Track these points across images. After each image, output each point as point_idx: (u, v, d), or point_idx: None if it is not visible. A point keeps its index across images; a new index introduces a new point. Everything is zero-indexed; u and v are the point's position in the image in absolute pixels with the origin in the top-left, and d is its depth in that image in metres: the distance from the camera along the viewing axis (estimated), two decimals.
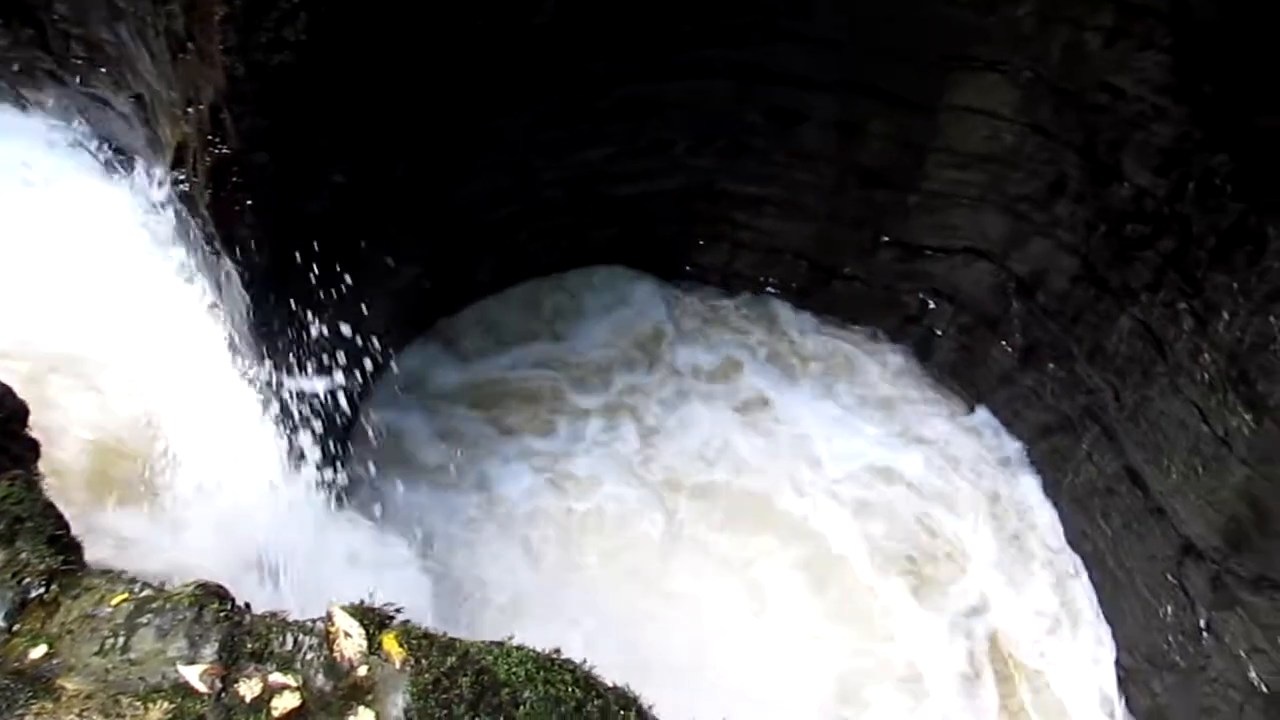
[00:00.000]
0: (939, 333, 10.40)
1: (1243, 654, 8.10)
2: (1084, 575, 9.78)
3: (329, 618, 3.73)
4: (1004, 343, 9.90)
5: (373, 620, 3.76)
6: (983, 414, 10.55)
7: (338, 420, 8.57)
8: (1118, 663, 9.40)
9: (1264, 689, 7.99)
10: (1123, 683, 9.32)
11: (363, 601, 3.88)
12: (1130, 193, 8.25)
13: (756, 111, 9.60)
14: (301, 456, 7.47)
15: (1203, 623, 8.40)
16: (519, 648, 3.69)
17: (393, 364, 9.61)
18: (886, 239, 10.13)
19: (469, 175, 9.22)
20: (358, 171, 7.73)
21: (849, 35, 8.86)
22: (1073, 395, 9.38)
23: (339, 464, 8.12)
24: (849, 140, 9.53)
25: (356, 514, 7.89)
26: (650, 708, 3.93)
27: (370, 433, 8.70)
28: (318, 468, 7.57)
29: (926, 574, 9.60)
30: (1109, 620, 9.56)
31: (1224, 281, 7.59)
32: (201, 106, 6.87)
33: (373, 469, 8.54)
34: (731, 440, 10.12)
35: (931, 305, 10.38)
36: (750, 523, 9.67)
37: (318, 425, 7.90)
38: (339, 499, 7.49)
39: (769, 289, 10.97)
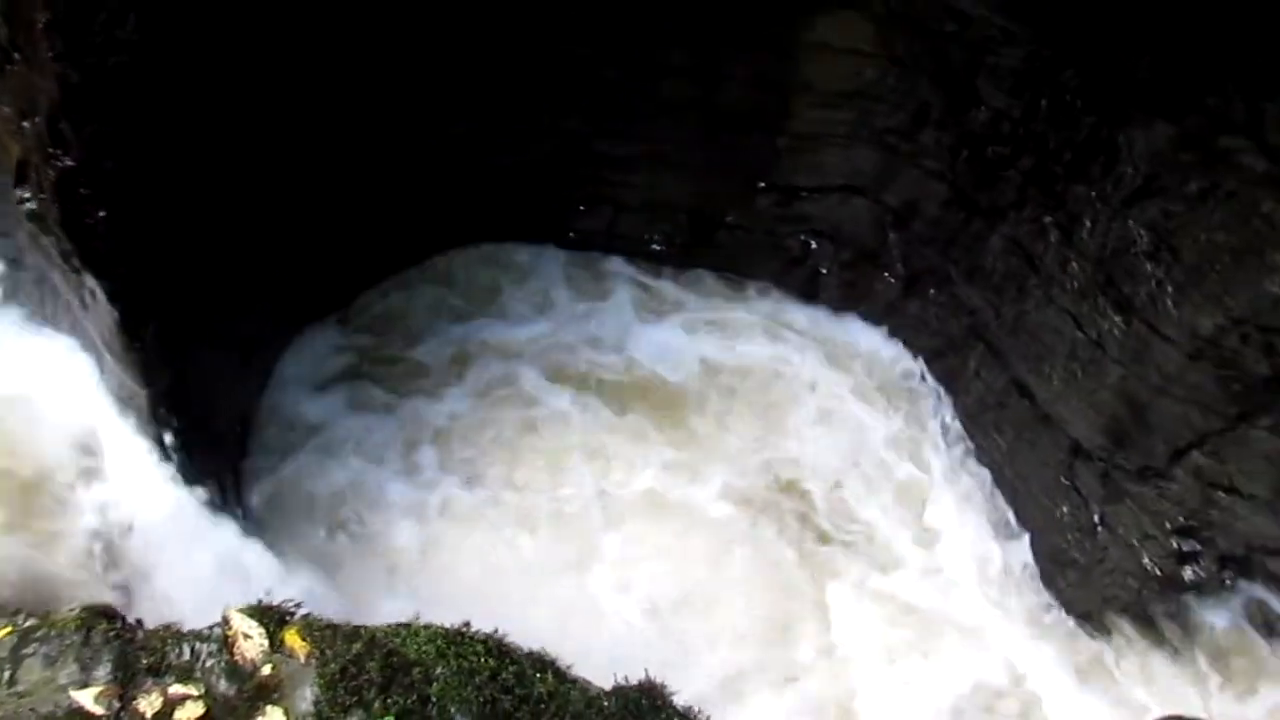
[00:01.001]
0: (823, 271, 10.58)
1: (1135, 543, 8.54)
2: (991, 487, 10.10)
3: (226, 622, 3.63)
4: (886, 274, 10.14)
5: (273, 618, 3.68)
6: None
7: (217, 421, 8.32)
8: (1036, 567, 9.73)
9: (1158, 572, 8.45)
10: (1038, 580, 9.65)
11: (260, 601, 3.80)
12: (988, 116, 8.49)
13: (614, 68, 9.56)
14: (173, 463, 7.20)
15: (1096, 518, 8.81)
16: (427, 626, 3.66)
17: (283, 357, 9.40)
18: (763, 184, 10.23)
19: (339, 160, 9.00)
20: (214, 169, 7.46)
21: None
22: (956, 317, 9.67)
23: (218, 467, 7.86)
24: (711, 88, 9.56)
25: (235, 517, 7.68)
26: (569, 667, 3.94)
27: (257, 428, 8.48)
28: (192, 474, 7.31)
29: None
30: (1022, 525, 9.89)
31: (1083, 192, 7.90)
32: (38, 119, 6.52)
33: (258, 467, 8.37)
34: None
35: (814, 246, 10.54)
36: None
37: (193, 431, 7.64)
38: (218, 502, 7.25)
39: (654, 246, 10.97)
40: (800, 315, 10.86)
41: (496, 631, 3.74)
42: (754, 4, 8.91)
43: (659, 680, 3.78)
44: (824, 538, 9.49)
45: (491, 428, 9.63)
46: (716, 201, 10.59)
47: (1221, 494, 7.93)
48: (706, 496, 9.50)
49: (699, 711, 3.83)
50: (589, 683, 3.84)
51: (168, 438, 7.07)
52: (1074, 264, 8.07)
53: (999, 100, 8.28)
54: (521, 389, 9.99)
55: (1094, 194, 7.78)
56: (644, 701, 3.63)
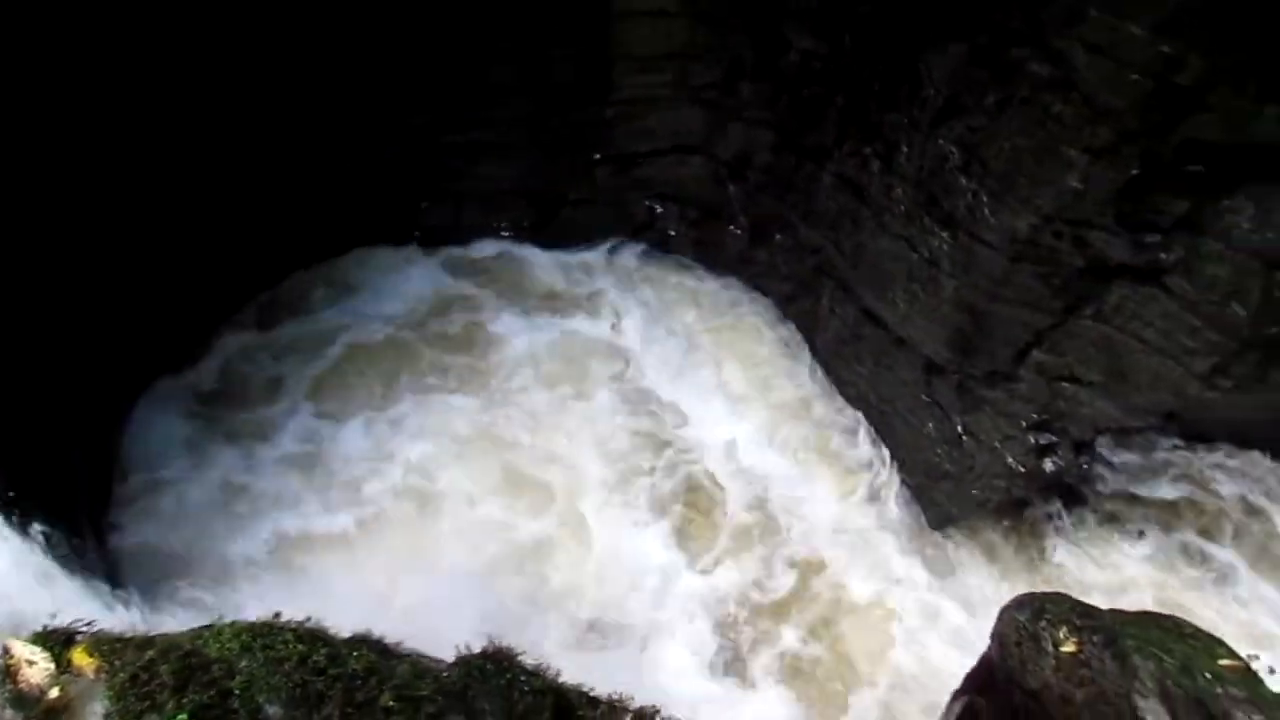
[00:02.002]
0: (673, 233, 10.75)
1: (998, 445, 8.96)
2: (860, 418, 10.43)
3: (5, 651, 3.51)
4: (731, 227, 10.35)
5: (58, 641, 3.57)
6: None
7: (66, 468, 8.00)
8: (904, 483, 10.10)
9: (1022, 469, 8.89)
10: (914, 498, 10.02)
11: (45, 627, 3.69)
12: (798, 59, 8.74)
13: (450, 61, 9.49)
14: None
15: (959, 429, 9.20)
16: (231, 624, 3.60)
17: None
18: (599, 156, 10.31)
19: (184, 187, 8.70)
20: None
21: None
22: (802, 259, 9.93)
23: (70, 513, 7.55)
24: (537, 69, 9.59)
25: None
26: (399, 643, 3.91)
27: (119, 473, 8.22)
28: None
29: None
30: (891, 449, 10.23)
31: (895, 120, 8.19)
32: None
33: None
34: None
35: (659, 209, 10.69)
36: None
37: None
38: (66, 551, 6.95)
39: (503, 234, 10.96)
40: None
41: (309, 620, 3.69)
42: None
43: (505, 643, 3.80)
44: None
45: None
46: (557, 180, 10.64)
47: (1065, 385, 8.39)
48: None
49: (547, 667, 3.86)
50: (425, 656, 3.85)
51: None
52: (898, 189, 8.37)
53: (806, 42, 8.52)
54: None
55: (905, 120, 8.08)
56: (489, 666, 3.65)
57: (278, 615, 3.68)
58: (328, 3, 8.80)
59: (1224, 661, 4.98)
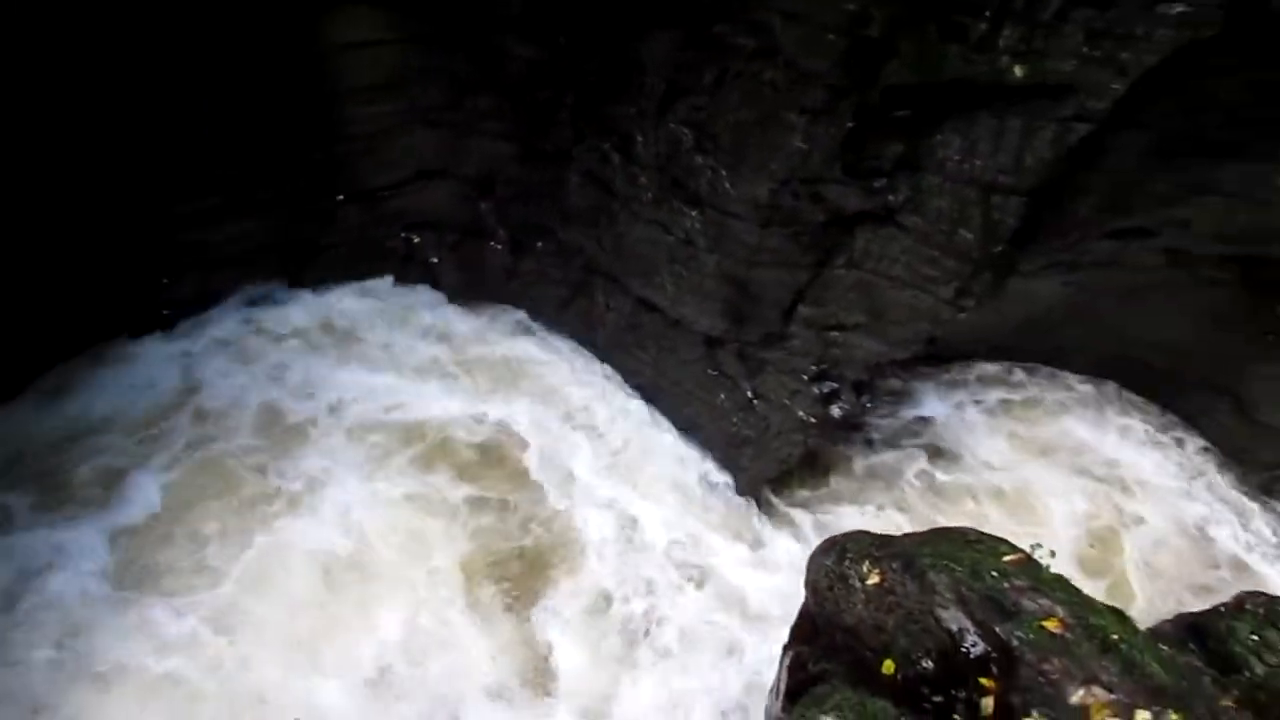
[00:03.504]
0: (434, 260, 10.57)
1: (787, 402, 9.32)
2: (651, 406, 10.60)
3: None
4: (492, 243, 10.28)
5: None
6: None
7: None
8: (708, 457, 10.33)
9: (813, 420, 9.27)
10: (721, 469, 10.29)
11: None
12: (522, 66, 8.76)
13: (160, 127, 8.94)
14: None
15: (749, 394, 9.51)
16: None
17: None
18: (342, 197, 10.01)
19: None
20: None
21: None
22: (568, 261, 9.99)
23: None
24: (252, 118, 9.18)
25: None
26: None
27: None
28: None
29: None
30: (685, 431, 10.45)
31: (625, 111, 8.36)
32: None
33: None
34: None
35: (415, 239, 10.49)
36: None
37: None
38: None
39: (257, 292, 10.46)
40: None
41: None
42: (267, 25, 8.60)
43: None
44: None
45: None
46: (304, 228, 10.24)
47: (833, 333, 8.83)
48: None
49: None
50: None
51: None
52: (642, 178, 8.55)
53: (523, 50, 8.56)
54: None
55: (634, 110, 8.25)
56: None
57: None
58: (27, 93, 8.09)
59: (1008, 558, 5.37)
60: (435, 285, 10.71)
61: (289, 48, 8.95)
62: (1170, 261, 9.16)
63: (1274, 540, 10.17)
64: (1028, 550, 5.59)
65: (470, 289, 10.76)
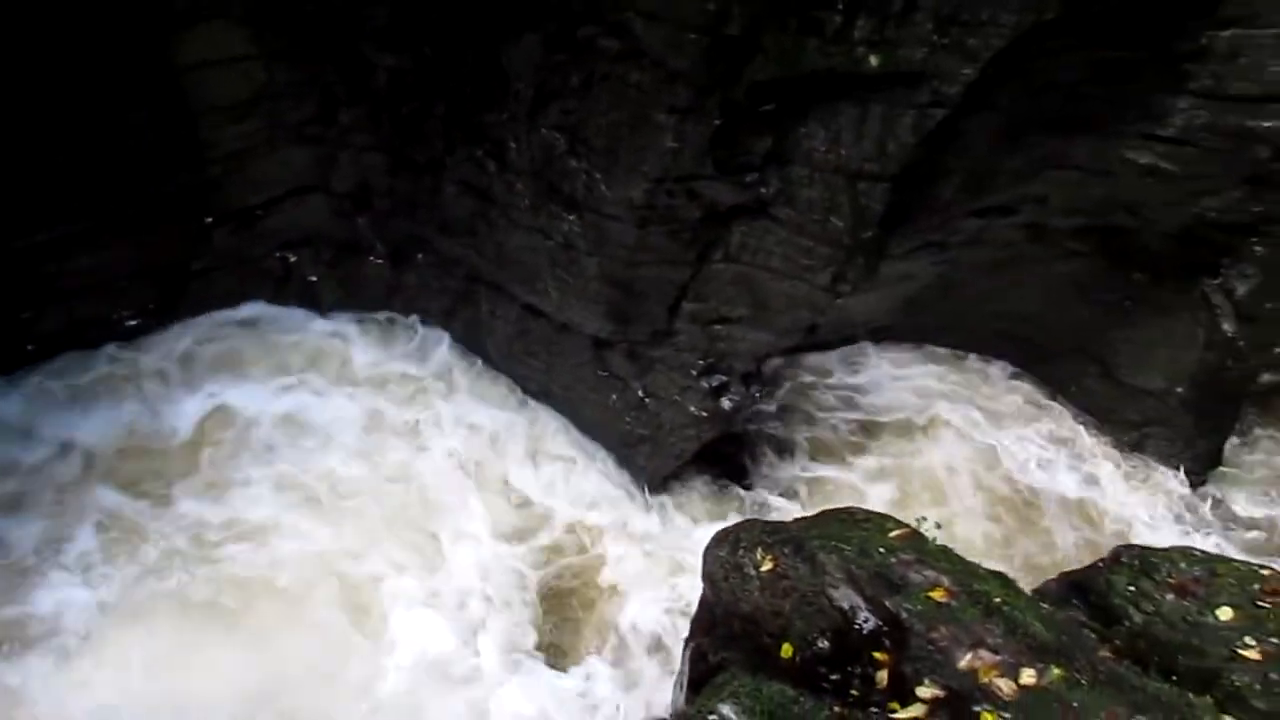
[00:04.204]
0: (313, 279, 10.33)
1: (678, 398, 9.43)
2: (550, 411, 10.59)
3: None
4: (372, 258, 10.12)
5: None
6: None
7: None
8: (607, 457, 10.36)
9: (704, 414, 9.41)
10: (621, 468, 10.32)
11: None
12: (387, 77, 8.65)
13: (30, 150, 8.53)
14: None
15: (640, 393, 9.59)
16: None
17: None
18: (212, 219, 9.71)
19: None
20: None
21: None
22: (451, 271, 9.90)
23: None
24: (107, 142, 8.82)
25: None
26: None
27: None
28: None
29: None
30: (587, 433, 10.46)
31: (496, 118, 8.34)
32: None
33: None
34: None
35: (292, 258, 10.24)
36: None
37: None
38: None
39: (130, 322, 10.06)
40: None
41: None
42: (116, 46, 8.26)
43: None
44: None
45: None
46: (174, 253, 9.89)
47: (718, 327, 8.98)
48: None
49: None
50: None
51: None
52: (518, 184, 8.54)
53: (388, 60, 8.45)
54: None
55: (505, 116, 8.24)
56: None
57: None
58: None
59: (894, 533, 5.56)
60: (315, 304, 10.46)
61: (143, 68, 8.64)
62: (1031, 236, 9.58)
63: (1146, 492, 10.76)
64: (913, 524, 5.80)
65: (352, 305, 10.56)
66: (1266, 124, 7.78)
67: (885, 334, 10.93)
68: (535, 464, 9.94)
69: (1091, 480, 10.67)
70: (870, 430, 10.56)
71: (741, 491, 9.89)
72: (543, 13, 7.48)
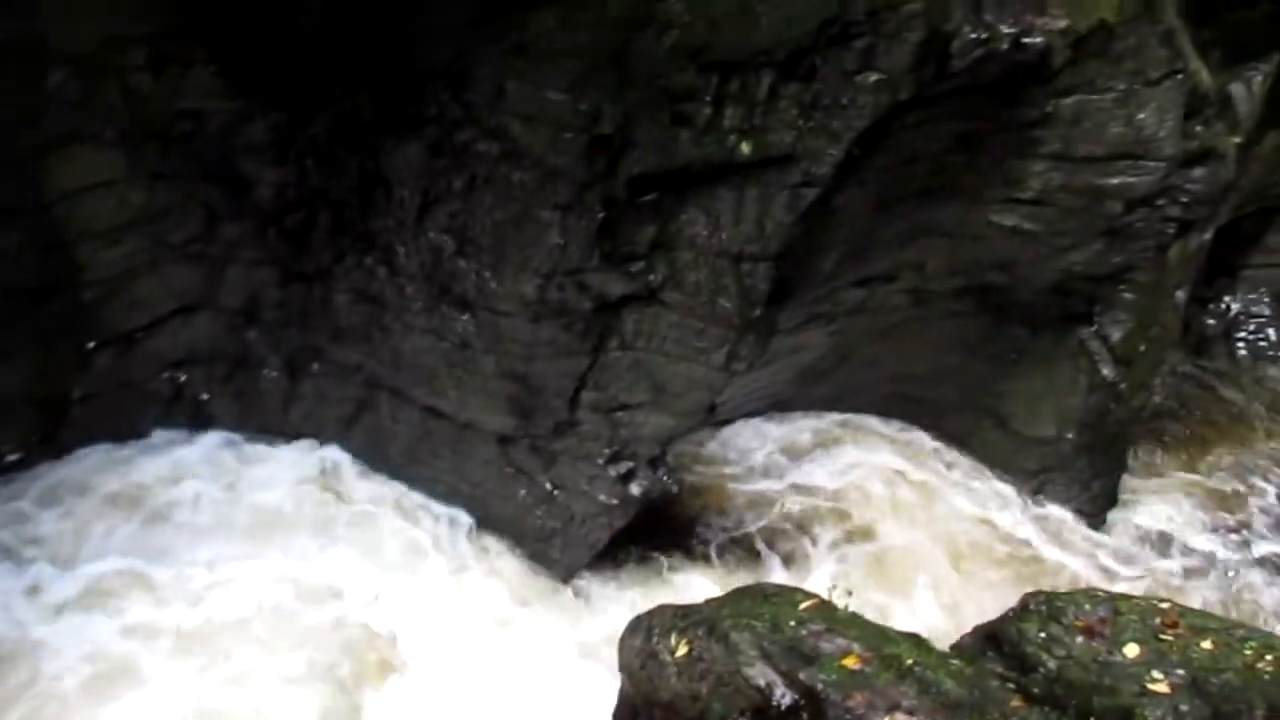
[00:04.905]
0: (205, 398, 10.09)
1: (586, 488, 9.41)
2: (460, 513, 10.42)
3: None
4: (265, 371, 9.93)
5: None
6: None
7: None
8: (521, 555, 10.23)
9: (614, 501, 9.40)
10: (537, 564, 10.17)
11: None
12: (271, 192, 8.65)
13: None
14: None
15: (549, 486, 9.55)
16: None
17: None
18: (94, 344, 9.46)
19: None
20: None
21: None
22: (349, 379, 9.77)
23: None
24: None
25: None
26: None
27: None
28: None
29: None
30: (497, 529, 10.28)
31: (382, 224, 8.40)
32: None
33: None
34: None
35: (182, 378, 9.99)
36: None
37: None
38: None
39: (9, 457, 9.63)
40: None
41: None
42: None
43: None
44: None
45: None
46: (54, 382, 9.58)
47: (620, 414, 9.04)
48: None
49: None
50: None
51: None
52: (409, 288, 8.56)
53: (271, 174, 8.46)
54: None
55: (392, 223, 8.30)
56: None
57: None
58: None
59: (804, 604, 5.60)
60: (207, 423, 10.20)
61: (15, 193, 8.49)
62: (915, 301, 9.96)
63: (1049, 536, 11.09)
64: (823, 594, 5.86)
65: (247, 421, 10.32)
66: (1114, 181, 8.31)
67: (785, 406, 11.15)
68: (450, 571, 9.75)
69: (1004, 526, 10.98)
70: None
71: (667, 569, 9.91)
72: (421, 121, 7.61)
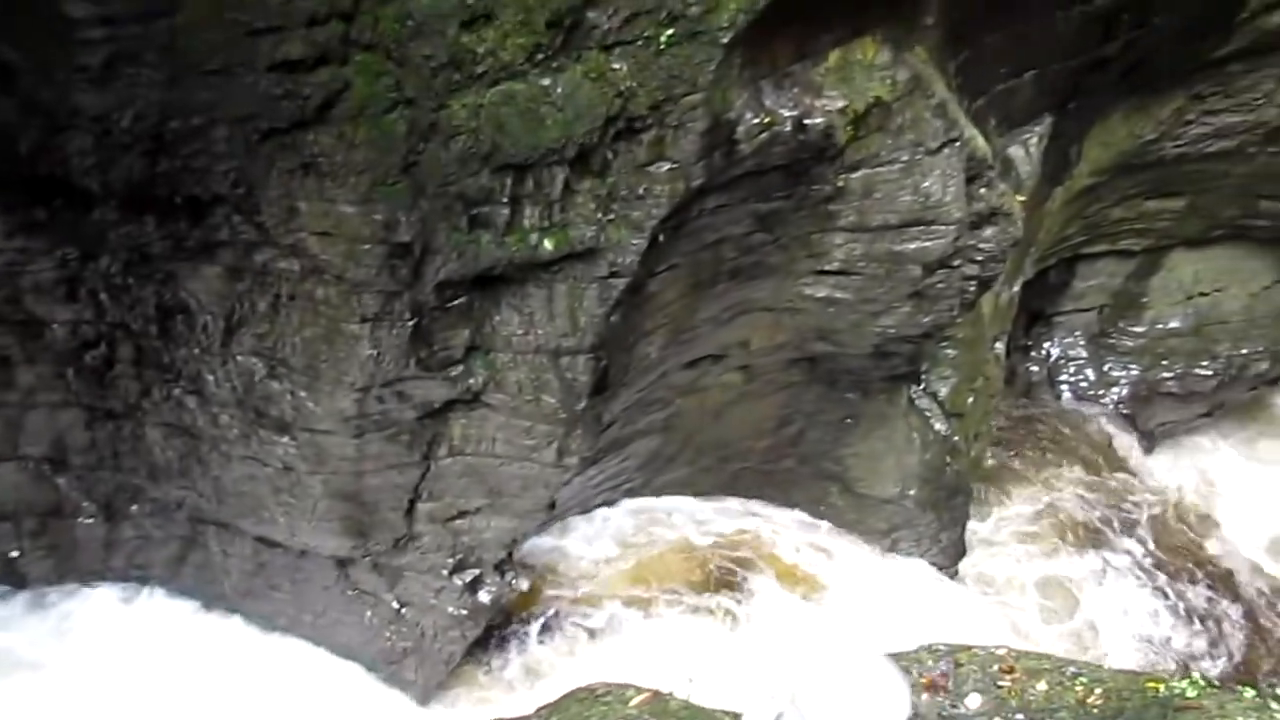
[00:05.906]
0: (16, 554, 9.35)
1: (434, 602, 9.16)
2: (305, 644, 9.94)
3: None
4: (80, 519, 9.30)
5: None
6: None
7: None
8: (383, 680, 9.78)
9: (464, 611, 9.17)
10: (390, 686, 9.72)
11: None
12: (66, 329, 8.20)
13: None
14: None
15: (395, 605, 9.24)
16: None
17: None
18: None
19: None
20: None
21: None
22: (171, 517, 9.27)
23: None
24: None
25: None
26: None
27: None
28: None
29: None
30: (348, 658, 9.82)
31: (187, 353, 8.06)
32: None
33: None
34: None
35: None
36: None
37: None
38: None
39: None
40: None
41: None
42: None
43: None
44: None
45: None
46: None
47: (459, 521, 8.85)
48: None
49: None
50: None
51: None
52: (223, 416, 8.23)
53: (63, 313, 8.05)
54: None
55: (197, 351, 7.99)
56: None
57: None
58: None
59: (635, 700, 5.50)
60: (20, 582, 9.49)
61: None
62: (746, 377, 10.15)
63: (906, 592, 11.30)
64: (656, 687, 5.76)
65: (65, 574, 9.63)
66: (911, 246, 8.69)
67: (634, 493, 11.12)
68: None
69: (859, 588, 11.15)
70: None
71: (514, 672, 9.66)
72: (214, 245, 7.41)
